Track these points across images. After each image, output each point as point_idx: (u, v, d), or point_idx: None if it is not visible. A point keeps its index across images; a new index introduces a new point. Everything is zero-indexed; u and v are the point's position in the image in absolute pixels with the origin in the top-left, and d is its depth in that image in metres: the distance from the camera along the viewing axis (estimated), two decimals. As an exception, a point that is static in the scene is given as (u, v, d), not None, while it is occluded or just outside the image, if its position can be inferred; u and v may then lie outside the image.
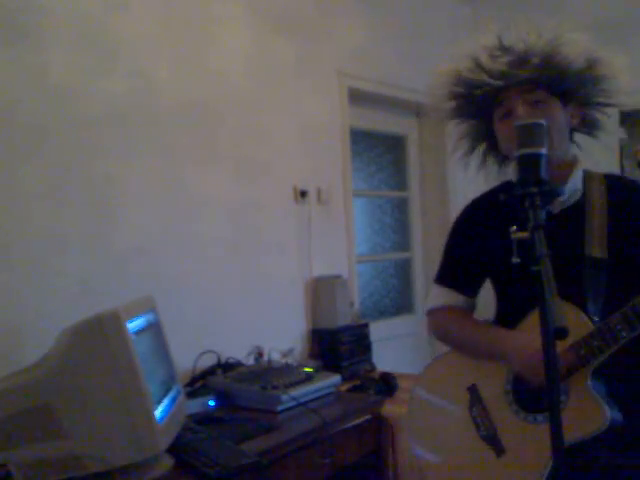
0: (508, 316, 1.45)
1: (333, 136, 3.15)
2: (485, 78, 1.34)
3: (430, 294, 1.64)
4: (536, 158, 1.08)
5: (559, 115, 1.35)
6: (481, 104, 1.40)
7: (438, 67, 1.45)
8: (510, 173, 1.49)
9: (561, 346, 1.21)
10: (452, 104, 1.44)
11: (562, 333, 0.88)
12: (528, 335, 1.31)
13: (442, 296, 1.58)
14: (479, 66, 1.35)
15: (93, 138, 2.19)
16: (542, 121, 1.13)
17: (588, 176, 1.41)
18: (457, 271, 1.58)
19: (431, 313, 1.62)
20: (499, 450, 1.39)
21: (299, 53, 2.97)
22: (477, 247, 1.50)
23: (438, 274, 1.62)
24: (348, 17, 3.24)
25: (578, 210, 1.36)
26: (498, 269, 1.46)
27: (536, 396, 1.33)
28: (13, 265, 1.98)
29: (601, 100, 1.40)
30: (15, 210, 1.99)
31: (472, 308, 1.59)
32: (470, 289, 1.57)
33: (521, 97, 1.33)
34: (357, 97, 3.33)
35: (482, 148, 1.52)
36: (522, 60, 1.32)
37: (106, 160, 2.23)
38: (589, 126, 1.44)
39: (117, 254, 2.24)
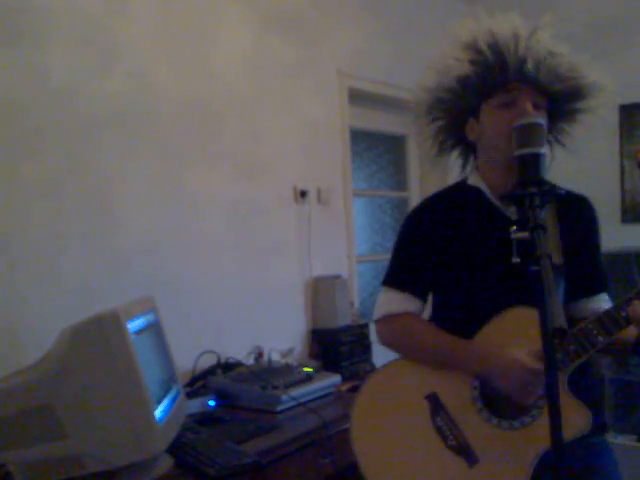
0: (456, 322, 1.40)
1: (333, 136, 3.15)
2: (510, 60, 1.31)
3: (382, 298, 1.50)
4: (536, 158, 1.08)
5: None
6: (480, 83, 1.36)
7: (454, 26, 1.44)
8: (468, 171, 1.51)
9: (533, 348, 1.22)
10: (447, 79, 1.44)
11: (561, 333, 0.88)
12: (492, 345, 1.32)
13: (400, 301, 1.46)
14: (506, 47, 1.33)
15: (93, 138, 2.19)
16: (542, 121, 1.13)
17: None
18: (414, 274, 1.47)
19: (387, 320, 1.49)
20: (471, 459, 1.33)
21: (299, 53, 2.97)
22: (433, 250, 1.43)
23: (391, 277, 1.50)
24: (348, 17, 3.24)
25: None
26: (455, 272, 1.41)
27: (509, 401, 1.31)
28: (13, 265, 1.97)
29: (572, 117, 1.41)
30: (15, 210, 1.99)
31: (421, 314, 1.50)
32: (426, 294, 1.48)
33: (530, 96, 1.31)
34: (357, 97, 3.33)
35: (452, 141, 1.53)
36: (550, 66, 1.32)
37: (106, 160, 2.22)
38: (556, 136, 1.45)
39: (117, 254, 2.23)
